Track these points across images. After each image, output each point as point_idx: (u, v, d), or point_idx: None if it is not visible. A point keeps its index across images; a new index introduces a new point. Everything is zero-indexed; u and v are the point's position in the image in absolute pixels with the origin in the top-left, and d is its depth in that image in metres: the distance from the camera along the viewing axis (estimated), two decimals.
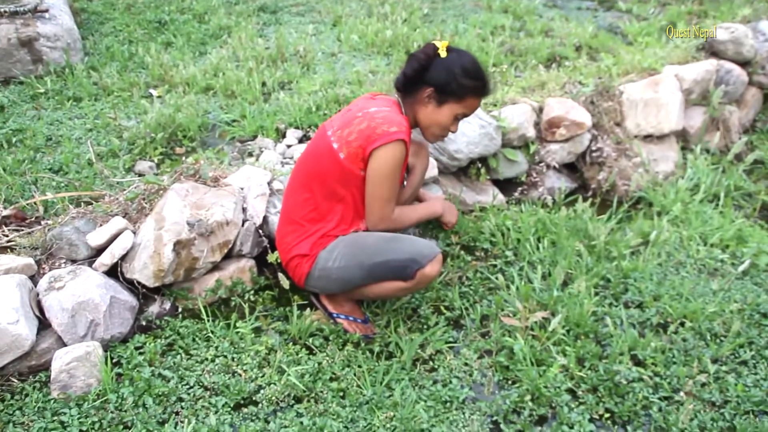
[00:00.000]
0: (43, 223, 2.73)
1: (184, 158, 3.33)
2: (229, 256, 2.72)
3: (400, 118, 2.33)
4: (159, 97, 3.96)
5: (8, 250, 2.57)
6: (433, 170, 3.14)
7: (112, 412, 2.08)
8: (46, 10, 4.26)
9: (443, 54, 2.36)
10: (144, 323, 2.50)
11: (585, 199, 3.32)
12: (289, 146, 3.47)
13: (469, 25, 5.20)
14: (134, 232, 2.57)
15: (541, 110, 3.66)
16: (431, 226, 3.15)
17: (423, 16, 5.42)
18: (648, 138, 3.91)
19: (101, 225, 2.62)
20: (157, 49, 4.58)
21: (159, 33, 4.99)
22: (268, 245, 2.74)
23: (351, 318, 2.55)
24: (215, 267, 2.68)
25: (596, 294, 2.75)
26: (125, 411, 2.09)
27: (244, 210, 2.76)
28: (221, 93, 4.01)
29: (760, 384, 2.33)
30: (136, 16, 5.22)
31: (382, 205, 2.39)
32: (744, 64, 4.50)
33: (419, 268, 2.32)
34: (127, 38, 4.84)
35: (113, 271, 2.52)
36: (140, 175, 3.20)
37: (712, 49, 4.51)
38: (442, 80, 2.35)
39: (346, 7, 5.61)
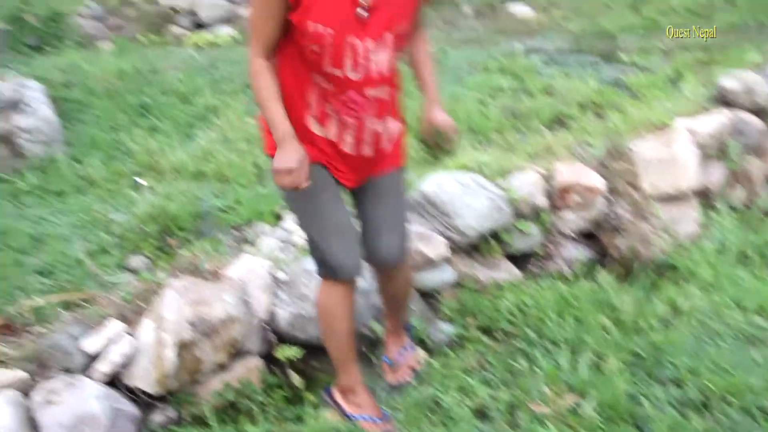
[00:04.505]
0: (33, 330, 2.78)
1: (178, 250, 3.40)
2: (234, 355, 2.76)
3: None
4: (148, 186, 4.07)
5: None
6: (443, 249, 3.21)
7: None
8: (25, 103, 4.42)
9: None
10: None
11: (606, 269, 3.39)
12: (287, 231, 3.54)
13: (467, 88, 5.37)
14: (132, 335, 2.62)
15: (550, 177, 3.77)
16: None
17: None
18: (666, 198, 4.00)
19: (96, 329, 2.66)
20: (142, 134, 4.73)
21: (143, 117, 5.16)
22: (275, 340, 2.79)
23: (370, 418, 2.56)
24: (221, 368, 2.71)
25: (628, 372, 2.77)
26: None
27: (247, 304, 2.81)
28: (213, 178, 4.12)
29: None
30: (118, 102, 5.39)
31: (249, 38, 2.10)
32: (759, 112, 4.65)
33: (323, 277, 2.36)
34: (110, 125, 4.99)
35: (111, 379, 2.55)
36: (134, 271, 3.27)
37: (723, 99, 4.66)
38: None
39: None
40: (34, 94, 4.70)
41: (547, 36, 7.38)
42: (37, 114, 4.43)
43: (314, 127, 2.19)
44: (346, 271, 2.33)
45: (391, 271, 2.52)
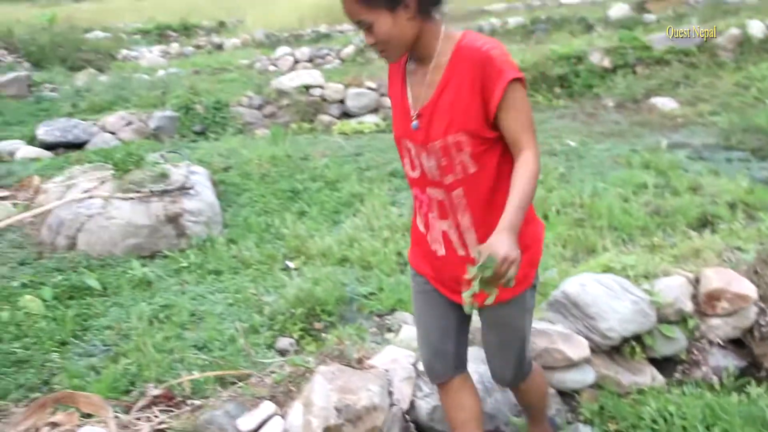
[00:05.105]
0: (189, 403, 3.01)
1: (323, 334, 3.59)
2: None
3: None
4: (296, 269, 4.33)
5: None
6: (584, 350, 3.21)
7: None
8: (192, 187, 4.86)
9: None
10: None
11: (758, 381, 3.25)
12: None
13: (609, 184, 5.38)
14: (282, 417, 2.79)
15: (697, 281, 3.69)
16: None
17: (559, 176, 5.67)
18: None
19: (249, 408, 2.86)
20: (292, 219, 5.05)
21: (293, 202, 5.51)
22: (415, 431, 2.87)
23: None
24: None
25: None
26: None
27: (390, 394, 2.92)
28: (357, 264, 4.33)
29: None
30: (271, 186, 5.79)
31: None
32: None
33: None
34: (263, 209, 5.37)
35: None
36: (282, 352, 3.47)
37: None
38: None
39: None
40: (200, 178, 5.16)
41: (693, 130, 7.28)
42: (201, 197, 4.86)
43: (418, 221, 2.37)
44: (428, 375, 2.56)
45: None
